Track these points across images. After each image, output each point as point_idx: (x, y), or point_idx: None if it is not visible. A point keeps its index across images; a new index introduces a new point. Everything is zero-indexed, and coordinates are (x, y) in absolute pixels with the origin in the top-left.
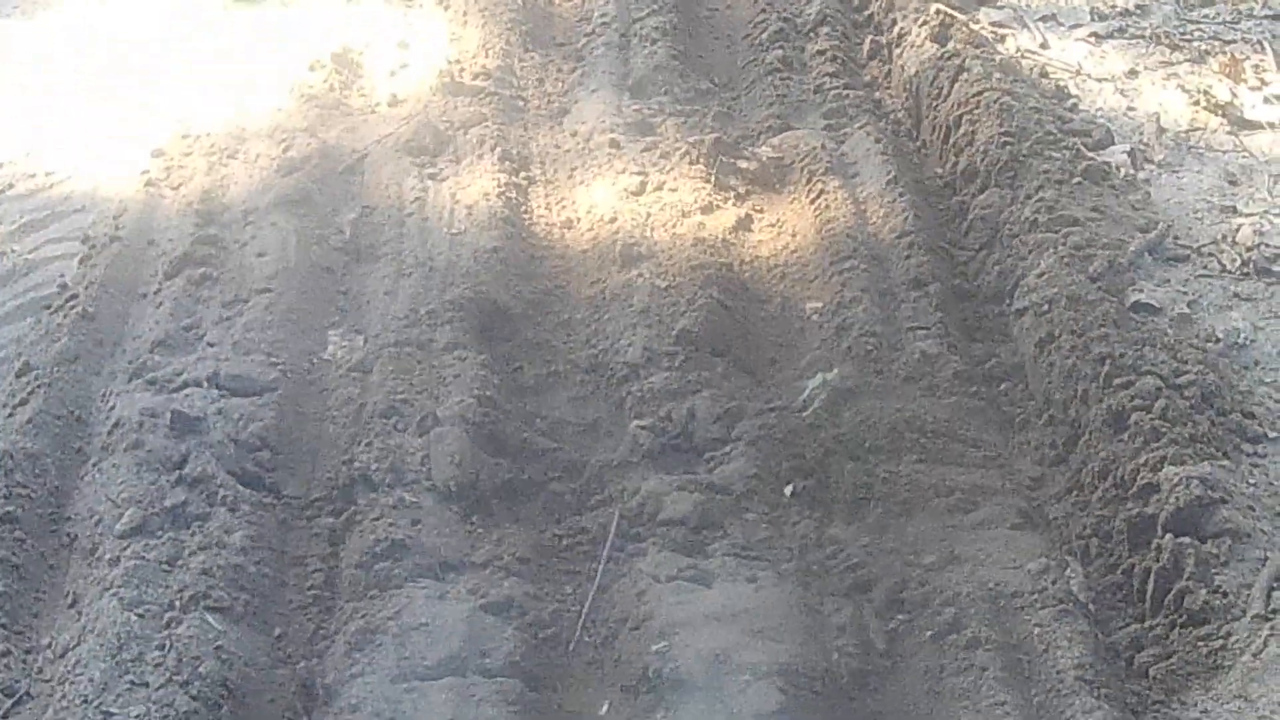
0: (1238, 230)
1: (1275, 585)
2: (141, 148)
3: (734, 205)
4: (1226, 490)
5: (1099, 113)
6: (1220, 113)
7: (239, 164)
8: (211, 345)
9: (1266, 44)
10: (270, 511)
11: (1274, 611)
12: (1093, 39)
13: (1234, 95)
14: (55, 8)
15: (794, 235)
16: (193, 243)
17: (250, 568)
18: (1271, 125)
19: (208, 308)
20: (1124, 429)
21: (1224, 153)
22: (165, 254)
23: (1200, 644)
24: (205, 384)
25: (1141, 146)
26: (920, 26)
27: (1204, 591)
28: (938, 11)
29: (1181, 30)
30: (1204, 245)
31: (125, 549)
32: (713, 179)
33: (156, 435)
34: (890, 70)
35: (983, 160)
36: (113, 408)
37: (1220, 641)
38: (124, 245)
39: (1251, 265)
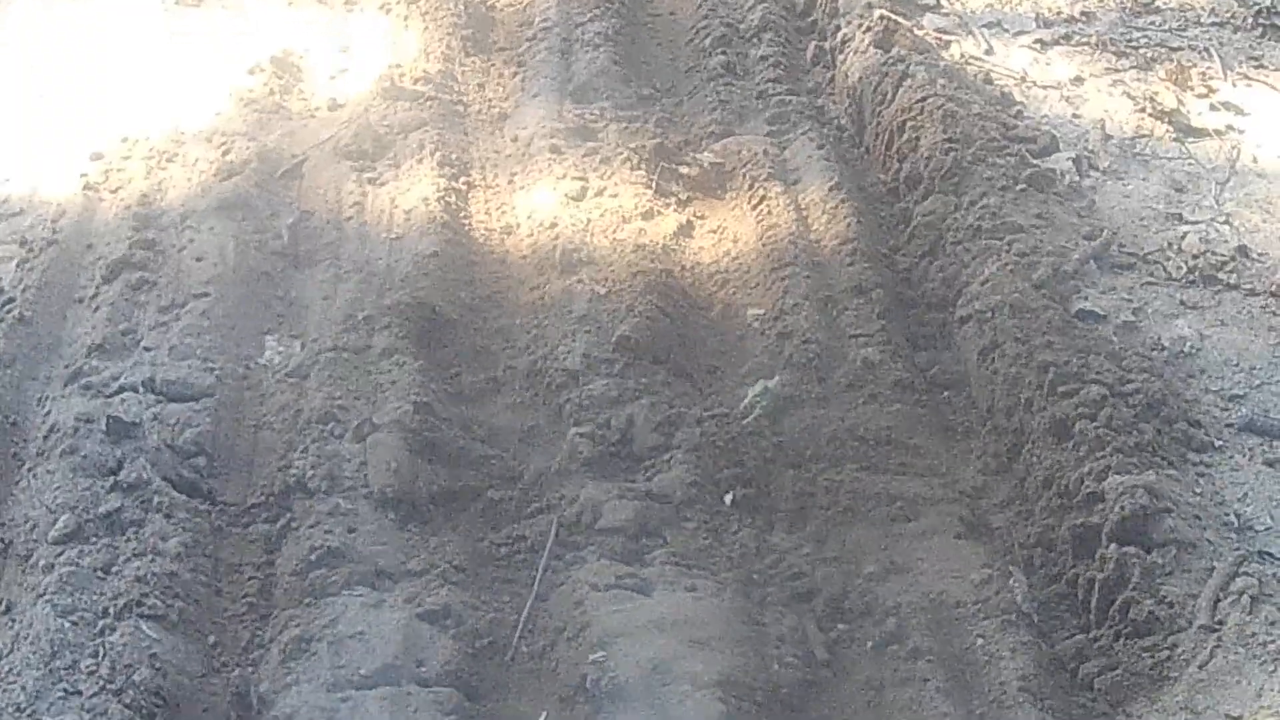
0: (1183, 238)
1: (1221, 595)
2: (80, 150)
3: (675, 211)
4: (1172, 500)
5: (1044, 119)
6: (1166, 120)
7: (178, 168)
8: (148, 350)
9: (1213, 51)
10: (206, 518)
11: (1220, 622)
12: (1038, 45)
13: (1180, 102)
14: None
15: (735, 241)
16: (130, 247)
17: (185, 575)
18: (1218, 132)
19: (145, 312)
20: (1068, 438)
21: (1170, 160)
22: (103, 258)
23: (1146, 655)
24: (141, 389)
25: (1087, 153)
26: (864, 32)
27: (1149, 602)
28: (881, 17)
29: (1127, 37)
30: (1149, 253)
31: (59, 555)
32: (654, 185)
33: (92, 441)
34: (834, 76)
35: (926, 166)
36: (49, 413)
37: (1166, 652)
38: (61, 249)
39: (1197, 273)
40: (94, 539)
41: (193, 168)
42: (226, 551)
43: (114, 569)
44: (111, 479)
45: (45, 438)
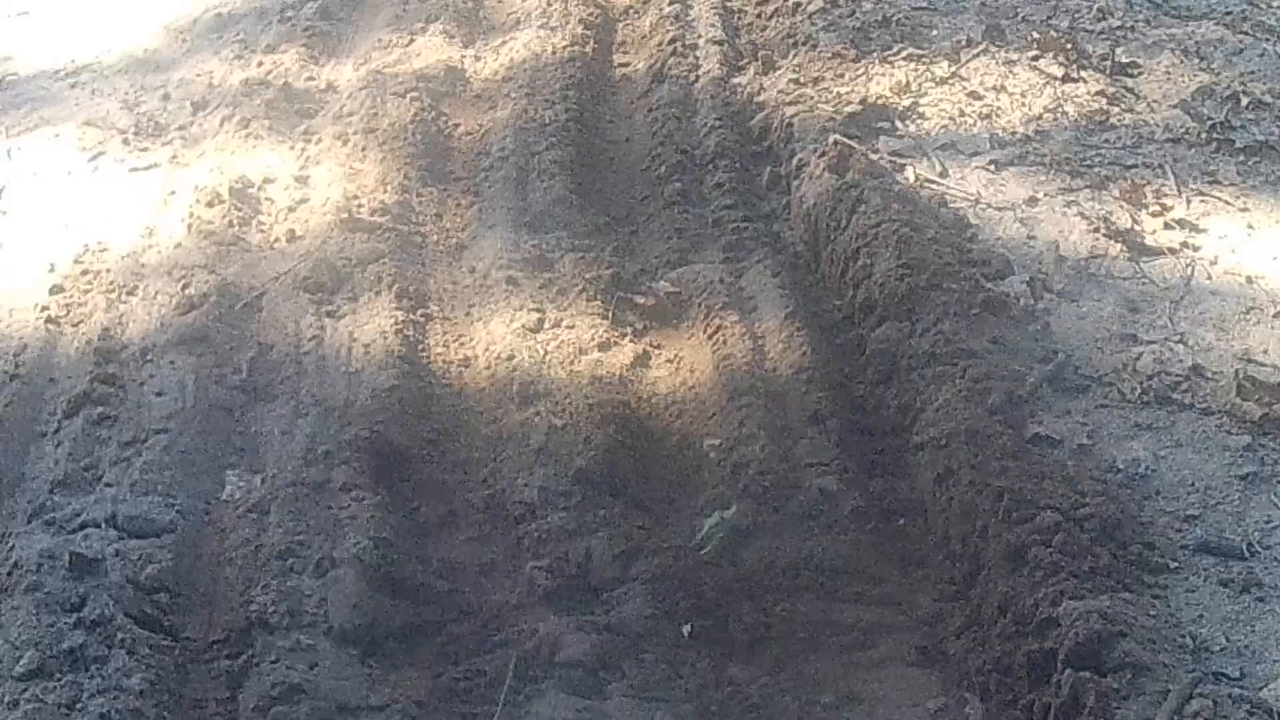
0: (1138, 359)
1: (1176, 718)
2: (41, 284)
3: (631, 342)
4: (1127, 623)
5: (998, 242)
6: (1120, 239)
7: (138, 301)
8: (110, 486)
9: (1168, 168)
10: (169, 654)
11: None
12: (992, 167)
13: (1134, 221)
14: None
15: (692, 371)
16: (92, 381)
17: (149, 711)
18: (1172, 250)
19: (106, 448)
20: (1023, 564)
21: (1124, 280)
22: (64, 393)
23: None
24: (104, 525)
25: (1041, 275)
26: (819, 157)
27: None
28: (836, 142)
29: (1081, 156)
30: (1104, 375)
31: (24, 692)
32: (610, 315)
33: (55, 577)
34: (789, 202)
35: (881, 293)
36: (11, 549)
37: None
38: (23, 384)
39: (1152, 394)
40: (58, 675)
41: (153, 301)
42: (190, 688)
43: (78, 705)
44: (75, 615)
45: (9, 574)
